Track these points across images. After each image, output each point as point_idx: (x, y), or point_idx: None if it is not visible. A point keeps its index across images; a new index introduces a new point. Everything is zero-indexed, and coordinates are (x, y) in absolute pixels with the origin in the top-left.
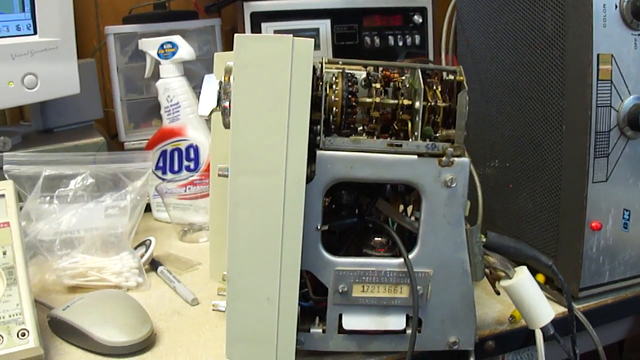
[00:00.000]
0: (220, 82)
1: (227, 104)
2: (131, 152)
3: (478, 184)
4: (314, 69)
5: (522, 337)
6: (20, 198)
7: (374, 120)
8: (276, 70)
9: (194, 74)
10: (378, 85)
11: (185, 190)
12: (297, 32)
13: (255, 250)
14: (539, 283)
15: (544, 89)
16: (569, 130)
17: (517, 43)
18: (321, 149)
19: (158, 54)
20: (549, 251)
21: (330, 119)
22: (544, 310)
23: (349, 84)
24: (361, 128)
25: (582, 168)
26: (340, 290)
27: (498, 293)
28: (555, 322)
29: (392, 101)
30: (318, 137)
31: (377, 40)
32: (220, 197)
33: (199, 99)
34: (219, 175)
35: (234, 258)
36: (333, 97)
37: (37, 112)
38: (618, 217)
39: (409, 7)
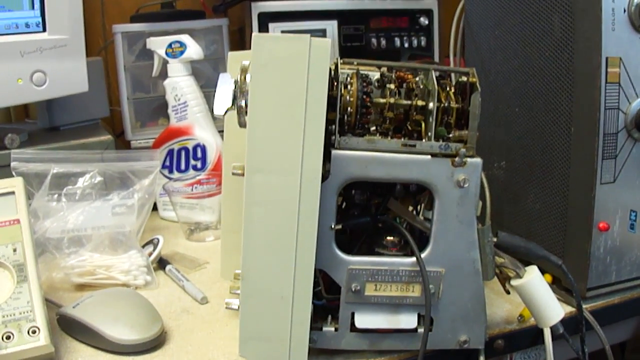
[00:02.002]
0: (236, 81)
1: (242, 103)
2: (139, 150)
3: (486, 184)
4: (329, 69)
5: (530, 336)
6: (28, 195)
7: (387, 121)
8: (293, 70)
9: (200, 73)
10: (392, 86)
11: (192, 190)
12: (304, 33)
13: (270, 249)
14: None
15: (552, 92)
16: (578, 132)
17: (525, 46)
18: (336, 149)
19: (166, 53)
20: (556, 251)
21: (344, 118)
22: (553, 309)
23: (364, 84)
24: (374, 128)
25: (590, 169)
26: (353, 289)
27: (508, 292)
28: (563, 322)
29: (405, 102)
30: (333, 137)
31: (383, 42)
32: (233, 196)
33: (206, 98)
34: (233, 174)
35: (248, 256)
36: (348, 97)
37: (43, 109)
38: (625, 218)
39: (415, 9)
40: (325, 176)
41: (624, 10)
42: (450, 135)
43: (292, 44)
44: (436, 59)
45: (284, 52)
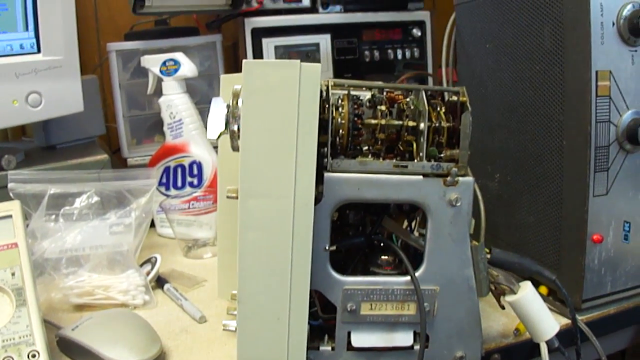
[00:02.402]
0: (228, 106)
1: (235, 127)
2: (135, 169)
3: (480, 198)
4: (320, 92)
5: (526, 349)
6: (25, 216)
7: (379, 142)
8: (284, 95)
9: (195, 90)
10: (383, 107)
11: (189, 206)
12: (297, 47)
13: (265, 272)
14: (542, 295)
15: (544, 105)
16: (570, 145)
17: (517, 59)
18: (328, 171)
19: (160, 71)
20: (551, 264)
21: (336, 141)
22: (548, 323)
23: (355, 106)
24: (366, 148)
25: (583, 182)
26: (349, 309)
27: (503, 308)
28: (559, 334)
29: (397, 122)
30: (325, 159)
31: (376, 54)
32: (228, 217)
33: (201, 115)
34: (228, 197)
35: (244, 279)
36: (339, 119)
37: (39, 128)
38: (619, 229)
39: (408, 21)
40: (318, 198)
41: (613, 24)
42: (442, 155)
43: (282, 70)
44: (429, 70)
45: (274, 78)
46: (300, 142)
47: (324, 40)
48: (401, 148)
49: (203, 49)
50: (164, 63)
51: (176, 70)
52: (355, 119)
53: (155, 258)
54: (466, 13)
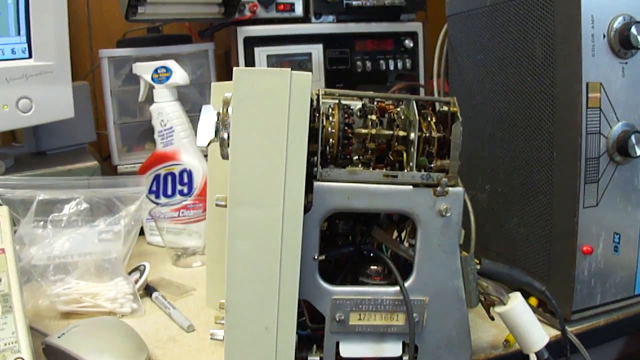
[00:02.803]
0: (218, 114)
1: (225, 135)
2: (125, 176)
3: (471, 209)
4: (311, 101)
5: None
6: (13, 222)
7: (369, 151)
8: (274, 104)
9: (187, 98)
10: (374, 117)
11: (179, 215)
12: (290, 57)
13: (253, 281)
14: (532, 306)
15: (534, 116)
16: (560, 156)
17: (507, 70)
18: (318, 180)
19: (152, 79)
20: (541, 275)
21: (326, 150)
22: (537, 335)
23: (345, 115)
24: (357, 158)
25: (573, 193)
26: (337, 319)
27: (492, 319)
28: (549, 345)
29: (387, 132)
30: (315, 168)
31: (368, 64)
32: (217, 226)
33: (192, 123)
34: (217, 205)
35: (232, 288)
36: (330, 128)
37: (29, 134)
38: (609, 240)
39: (400, 32)
40: (307, 208)
41: (604, 36)
42: (432, 165)
43: (273, 78)
44: (421, 80)
45: (265, 86)
46: (290, 151)
47: (316, 50)
48: (391, 158)
49: (195, 57)
50: (156, 70)
51: (168, 78)
52: (346, 128)
53: (144, 266)
54: (458, 24)
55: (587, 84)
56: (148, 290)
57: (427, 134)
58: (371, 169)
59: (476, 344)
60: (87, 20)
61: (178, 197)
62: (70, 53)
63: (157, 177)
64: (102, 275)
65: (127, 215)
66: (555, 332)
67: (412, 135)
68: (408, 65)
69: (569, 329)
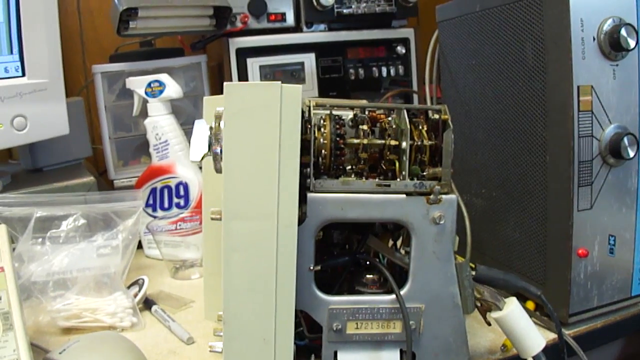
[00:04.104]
0: (211, 128)
1: (218, 149)
2: (121, 191)
3: (466, 215)
4: (302, 112)
5: None
6: (12, 240)
7: (362, 161)
8: (266, 117)
9: (181, 110)
10: (365, 127)
11: (176, 227)
12: (282, 67)
13: (250, 293)
14: (529, 310)
15: (527, 120)
16: (553, 160)
17: (499, 75)
18: (312, 192)
19: (146, 93)
20: (537, 279)
21: (319, 161)
22: (534, 339)
23: (337, 126)
24: (350, 168)
25: (567, 197)
26: (335, 328)
27: (489, 324)
28: (547, 349)
29: (379, 141)
30: (308, 180)
31: (361, 72)
32: (213, 239)
33: (187, 136)
34: (212, 219)
35: (229, 300)
36: (322, 140)
37: (25, 151)
38: (604, 243)
39: (392, 39)
40: (301, 219)
41: (594, 39)
42: (425, 173)
43: (263, 91)
44: (414, 86)
45: (255, 100)
46: (283, 164)
47: (309, 59)
48: (384, 167)
49: (188, 69)
50: (149, 84)
51: (161, 92)
52: (338, 138)
53: (143, 280)
54: (449, 30)
55: (578, 87)
56: (147, 303)
57: (419, 142)
58: (364, 179)
59: (474, 349)
60: (80, 36)
61: (175, 210)
62: (63, 69)
63: (153, 191)
64: (101, 290)
65: (124, 230)
66: (553, 336)
67: (404, 144)
68: (401, 71)
69: (566, 332)
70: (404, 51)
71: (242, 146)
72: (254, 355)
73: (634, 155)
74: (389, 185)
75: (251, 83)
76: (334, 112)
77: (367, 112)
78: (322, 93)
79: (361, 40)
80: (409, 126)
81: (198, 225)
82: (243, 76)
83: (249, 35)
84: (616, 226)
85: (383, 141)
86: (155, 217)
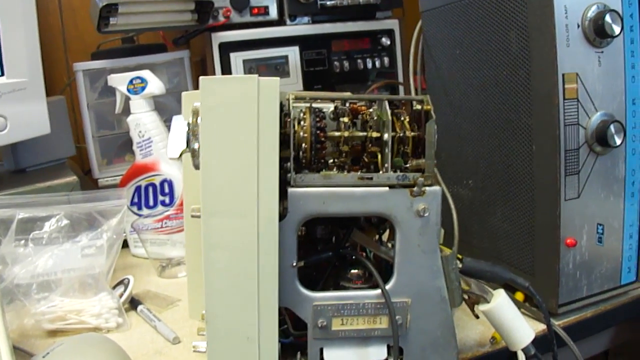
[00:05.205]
0: (189, 124)
1: (196, 145)
2: (105, 190)
3: (453, 207)
4: (282, 106)
5: (503, 358)
6: None
7: (344, 154)
8: (243, 111)
9: (164, 107)
10: (346, 119)
11: (162, 225)
12: (266, 60)
13: (232, 291)
14: (518, 301)
15: (512, 109)
16: (539, 149)
17: (483, 64)
18: (292, 186)
19: (128, 90)
20: (526, 269)
21: (300, 155)
22: (523, 331)
23: (317, 119)
24: (331, 161)
25: (554, 186)
26: (320, 325)
27: (477, 317)
28: (537, 340)
29: (360, 134)
30: (289, 174)
31: (346, 64)
32: (195, 236)
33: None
34: (192, 216)
35: (211, 299)
36: (302, 133)
37: (8, 152)
38: (592, 232)
39: (377, 30)
40: (283, 214)
41: (578, 26)
42: (408, 165)
43: (239, 85)
44: (400, 78)
45: (232, 94)
46: (262, 158)
47: (293, 53)
48: (366, 160)
49: (171, 65)
50: (131, 81)
51: (143, 88)
52: (318, 132)
53: (128, 279)
54: (432, 20)
55: (563, 75)
56: (133, 303)
57: (401, 134)
58: (346, 172)
59: (463, 342)
60: (62, 34)
61: (160, 208)
62: (46, 67)
63: (138, 189)
64: (86, 291)
65: (109, 229)
66: (542, 327)
67: (386, 135)
68: (386, 63)
69: (556, 322)
70: (388, 42)
71: (219, 142)
72: (238, 354)
73: (621, 143)
74: (371, 178)
75: (227, 77)
76: (315, 105)
77: (348, 104)
78: (307, 86)
79: (345, 33)
80: (390, 117)
81: (183, 223)
82: (226, 71)
83: (231, 29)
84: (604, 215)
85: (365, 133)
86: (140, 215)
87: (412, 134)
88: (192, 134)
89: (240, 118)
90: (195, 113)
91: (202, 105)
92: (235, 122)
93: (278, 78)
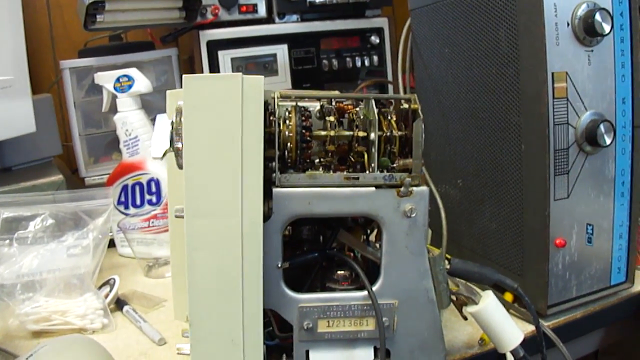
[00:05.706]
0: (172, 123)
1: (179, 144)
2: (91, 189)
3: (442, 207)
4: (267, 104)
5: (492, 359)
6: None
7: (330, 154)
8: (227, 110)
9: (152, 106)
10: (332, 118)
11: (149, 225)
12: (254, 59)
13: (216, 293)
14: (507, 302)
15: (501, 109)
16: (528, 149)
17: (472, 63)
18: (277, 187)
19: (114, 88)
20: (515, 270)
21: (285, 154)
22: (512, 333)
23: (303, 118)
24: (318, 161)
25: (543, 186)
26: (305, 327)
27: (465, 318)
28: (526, 341)
29: (347, 133)
30: (274, 174)
31: (335, 63)
32: (180, 237)
33: None
34: (176, 216)
35: (195, 301)
36: (287, 132)
37: None
38: (582, 232)
39: (366, 29)
40: (268, 215)
41: (568, 24)
42: (395, 165)
43: (223, 83)
44: (389, 76)
45: (216, 92)
46: (246, 158)
47: (281, 51)
48: (353, 159)
49: (159, 63)
50: (118, 79)
51: (130, 87)
52: (304, 131)
53: (114, 280)
54: (421, 18)
55: (552, 74)
56: (119, 304)
57: (388, 133)
58: (332, 172)
59: (451, 344)
60: (50, 32)
61: (147, 207)
62: (33, 65)
63: (124, 188)
64: (71, 292)
65: (95, 229)
66: (531, 328)
67: (372, 135)
68: (375, 61)
69: (545, 323)
70: (378, 41)
71: (202, 141)
72: (222, 356)
73: (611, 143)
74: (357, 178)
75: (211, 75)
76: (301, 104)
77: (334, 103)
78: (296, 85)
79: (334, 31)
80: (377, 116)
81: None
82: (214, 69)
83: (220, 27)
84: (594, 215)
85: (351, 132)
86: (127, 214)
87: (399, 133)
88: (176, 133)
89: (224, 117)
90: (179, 112)
91: (185, 104)
92: (218, 121)
93: (262, 76)
